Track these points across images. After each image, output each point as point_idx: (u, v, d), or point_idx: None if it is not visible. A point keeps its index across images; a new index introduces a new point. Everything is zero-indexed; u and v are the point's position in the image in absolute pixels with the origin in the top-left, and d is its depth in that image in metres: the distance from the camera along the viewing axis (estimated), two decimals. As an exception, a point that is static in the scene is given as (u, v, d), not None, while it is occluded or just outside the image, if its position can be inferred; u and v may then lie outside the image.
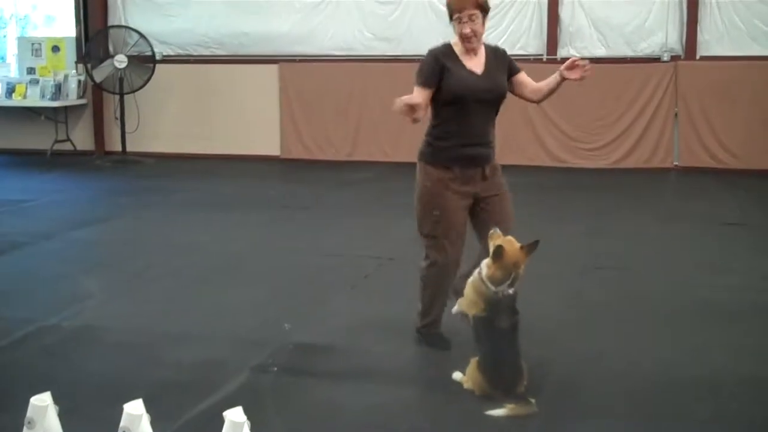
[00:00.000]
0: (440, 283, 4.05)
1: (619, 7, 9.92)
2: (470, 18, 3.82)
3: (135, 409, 2.08)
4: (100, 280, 5.41)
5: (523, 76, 4.07)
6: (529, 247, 3.52)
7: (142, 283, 5.40)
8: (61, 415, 2.18)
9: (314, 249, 6.27)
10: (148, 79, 10.65)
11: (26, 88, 11.13)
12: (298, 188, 9.00)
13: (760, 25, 9.62)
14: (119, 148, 10.91)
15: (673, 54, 9.84)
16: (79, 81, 11.20)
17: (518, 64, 4.10)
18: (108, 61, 10.63)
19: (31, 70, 11.45)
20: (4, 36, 13.42)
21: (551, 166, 10.02)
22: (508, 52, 4.11)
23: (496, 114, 4.01)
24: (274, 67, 10.78)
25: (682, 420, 3.41)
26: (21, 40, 11.99)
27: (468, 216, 4.01)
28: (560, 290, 5.13)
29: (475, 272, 3.61)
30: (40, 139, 11.24)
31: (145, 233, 6.94)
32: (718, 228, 6.98)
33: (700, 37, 9.78)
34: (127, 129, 10.84)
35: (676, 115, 9.80)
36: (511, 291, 3.53)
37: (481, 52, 3.96)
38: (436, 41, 4.05)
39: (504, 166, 4.10)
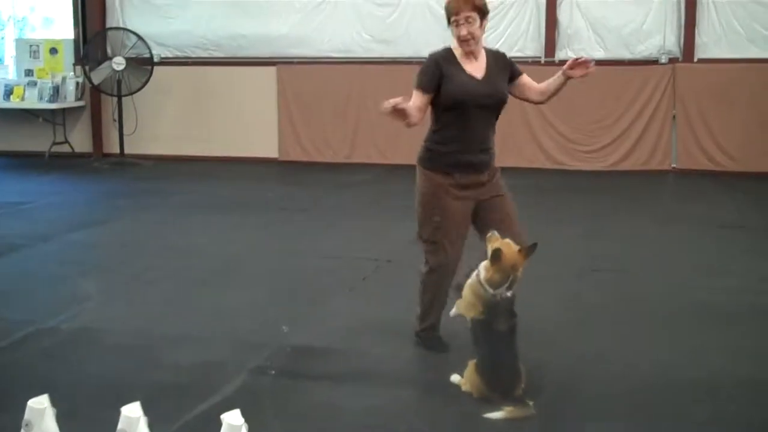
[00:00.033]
0: (440, 287, 4.05)
1: (617, 9, 9.92)
2: (467, 20, 3.80)
3: (133, 412, 2.08)
4: (98, 282, 5.40)
5: (525, 79, 4.05)
6: (527, 250, 3.52)
7: (140, 286, 5.40)
8: (59, 417, 2.17)
9: (312, 251, 6.26)
10: (146, 81, 10.64)
11: (24, 90, 11.11)
12: (296, 190, 8.99)
13: (758, 27, 9.62)
14: (117, 150, 10.90)
15: (671, 56, 9.85)
16: (77, 83, 11.18)
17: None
18: (106, 63, 10.63)
19: (29, 72, 11.43)
20: (2, 38, 13.38)
21: (549, 168, 10.02)
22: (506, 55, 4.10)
23: (497, 119, 3.98)
24: (272, 69, 10.77)
25: (680, 422, 3.42)
26: (19, 41, 11.95)
27: (470, 219, 3.99)
28: (558, 292, 5.13)
29: (473, 275, 3.61)
30: (38, 141, 11.23)
31: (143, 235, 6.93)
32: (716, 230, 6.99)
33: (697, 40, 9.78)
34: (125, 131, 10.83)
35: (673, 117, 9.80)
36: (509, 294, 3.53)
37: (482, 57, 3.95)
38: (434, 43, 4.04)
39: (502, 168, 4.10)
